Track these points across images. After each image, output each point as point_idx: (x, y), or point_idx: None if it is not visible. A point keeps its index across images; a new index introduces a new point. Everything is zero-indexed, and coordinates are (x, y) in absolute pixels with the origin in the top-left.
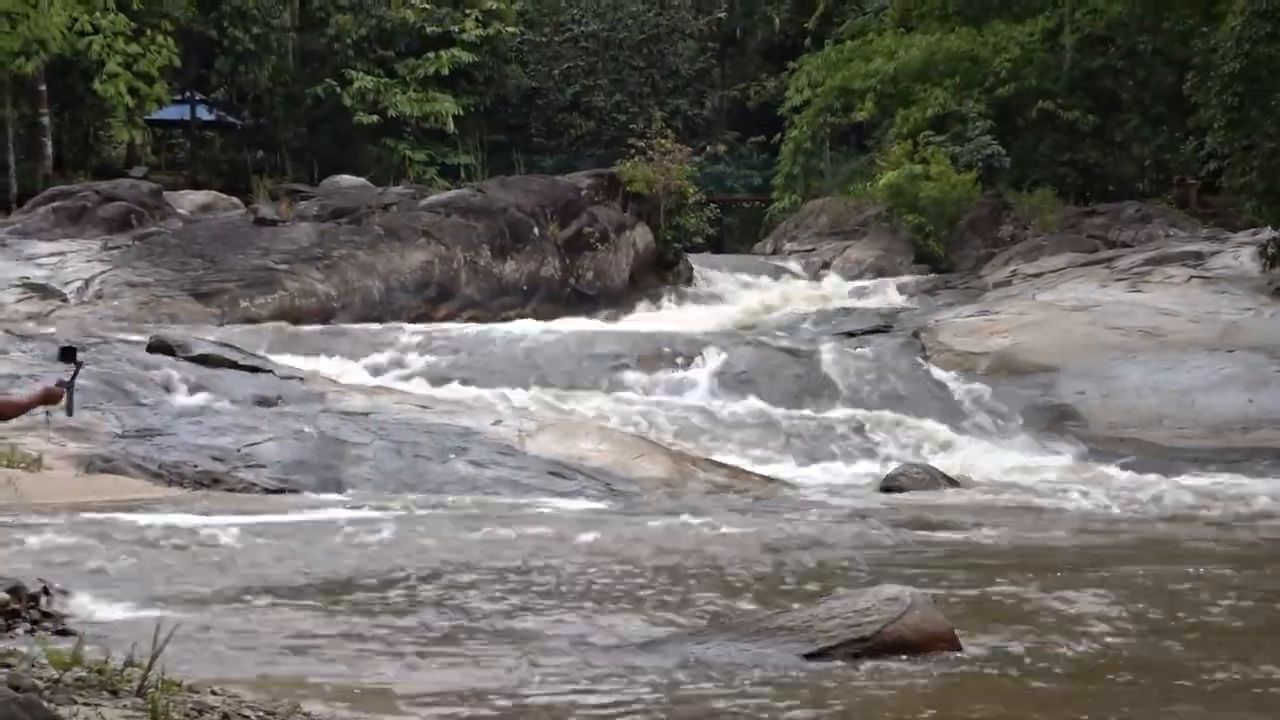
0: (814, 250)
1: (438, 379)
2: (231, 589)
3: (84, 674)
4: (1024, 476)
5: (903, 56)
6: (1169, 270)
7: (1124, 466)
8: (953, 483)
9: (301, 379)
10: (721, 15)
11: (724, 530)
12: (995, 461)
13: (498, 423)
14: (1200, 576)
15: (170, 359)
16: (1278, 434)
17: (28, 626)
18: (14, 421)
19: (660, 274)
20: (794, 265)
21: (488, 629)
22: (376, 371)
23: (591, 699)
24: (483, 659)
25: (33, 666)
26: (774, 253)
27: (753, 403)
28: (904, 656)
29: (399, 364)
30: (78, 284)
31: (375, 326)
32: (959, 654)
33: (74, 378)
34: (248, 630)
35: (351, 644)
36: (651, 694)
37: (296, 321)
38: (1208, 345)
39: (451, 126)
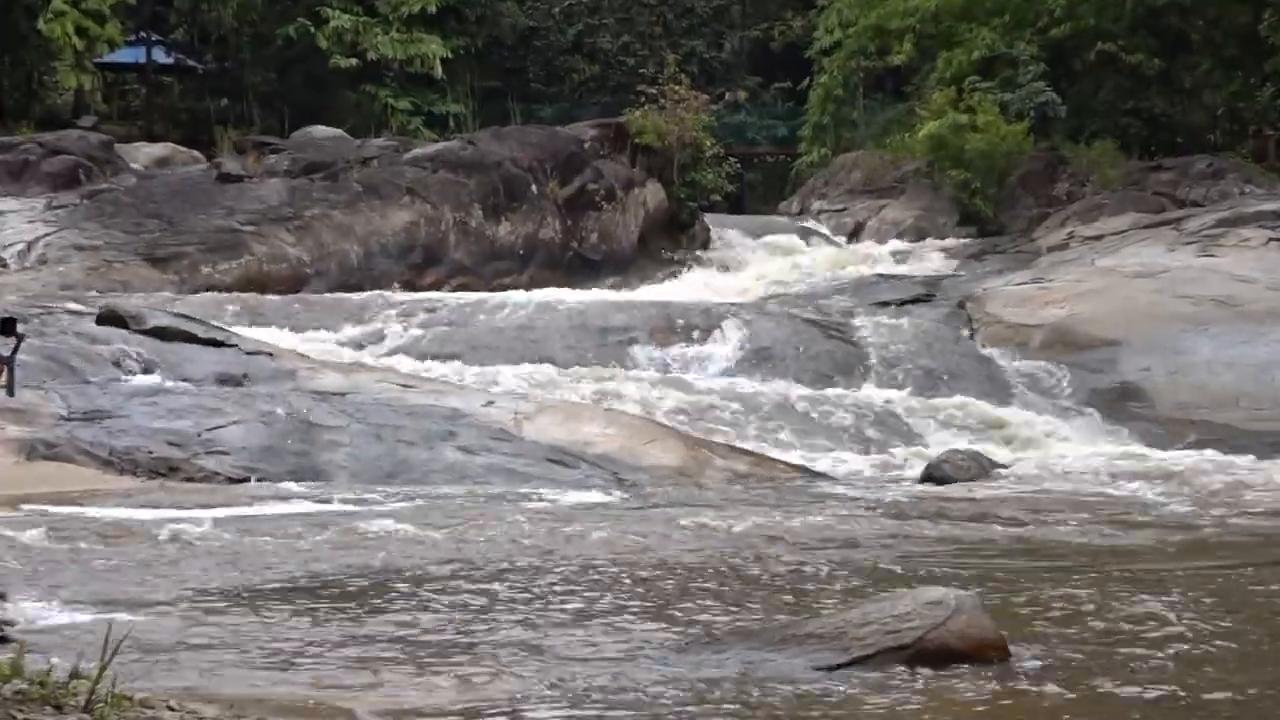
0: (846, 210)
1: (423, 355)
2: (190, 591)
3: (24, 686)
4: (1082, 464)
5: None
6: (1244, 232)
7: (1195, 452)
8: (1002, 471)
9: (270, 355)
10: None
11: (745, 525)
12: (1050, 447)
13: (490, 404)
14: None
15: (122, 332)
16: None
17: None
18: None
19: (673, 236)
20: (823, 227)
21: (479, 638)
22: (354, 346)
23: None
24: (473, 672)
25: None
26: (801, 213)
27: (778, 382)
28: (948, 667)
29: (379, 337)
30: (19, 248)
31: (353, 295)
32: (1010, 665)
33: (14, 353)
34: (209, 637)
35: (325, 653)
36: (661, 712)
37: (264, 290)
38: None
39: (439, 71)
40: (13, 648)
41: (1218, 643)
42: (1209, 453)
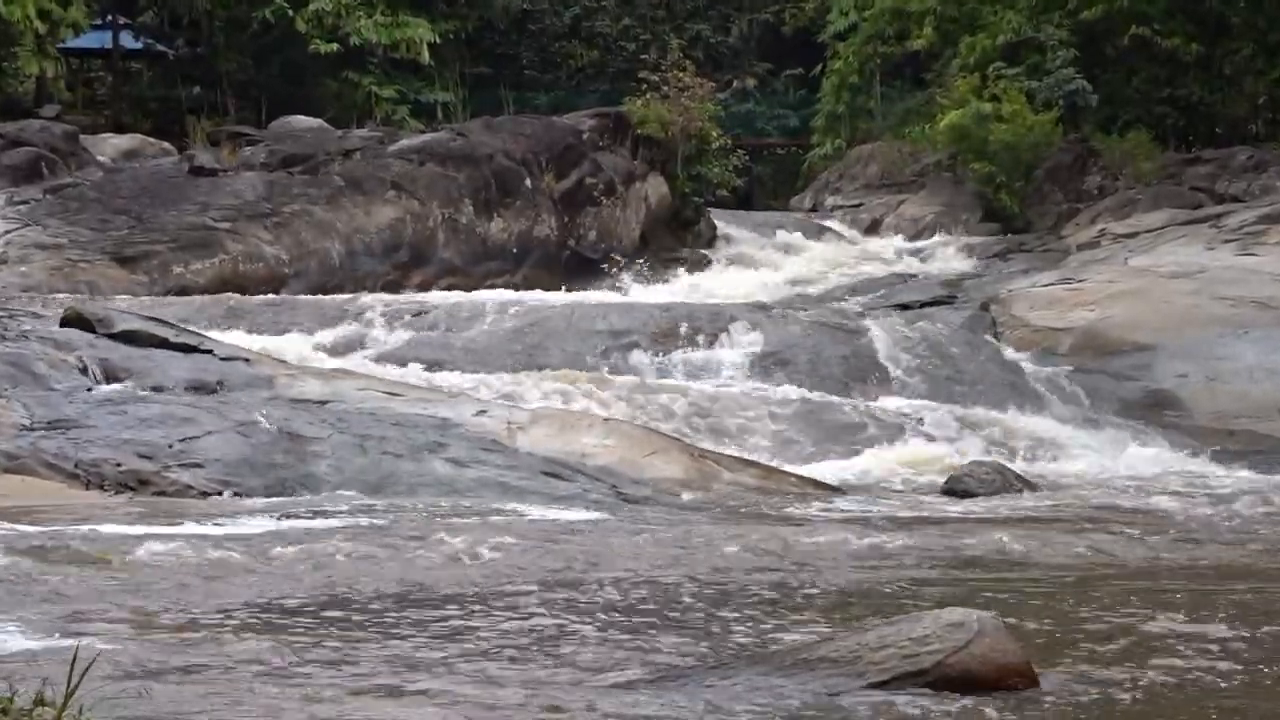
0: (862, 206)
1: (410, 360)
2: (162, 614)
3: None
4: (1114, 476)
5: None
6: None
7: (1235, 465)
8: (1028, 484)
9: (246, 360)
10: None
11: (752, 542)
12: (1079, 458)
13: (482, 413)
14: None
15: (89, 336)
16: None
17: None
18: None
19: (677, 234)
20: (838, 223)
21: (459, 662)
22: (336, 351)
23: None
24: (460, 698)
25: None
26: (814, 208)
27: (789, 389)
28: (970, 693)
29: (363, 342)
30: None
31: (335, 297)
32: (1036, 691)
33: None
34: (182, 663)
35: (303, 682)
36: None
37: (240, 290)
38: None
39: (426, 57)
40: None
41: (1267, 667)
42: (1249, 465)
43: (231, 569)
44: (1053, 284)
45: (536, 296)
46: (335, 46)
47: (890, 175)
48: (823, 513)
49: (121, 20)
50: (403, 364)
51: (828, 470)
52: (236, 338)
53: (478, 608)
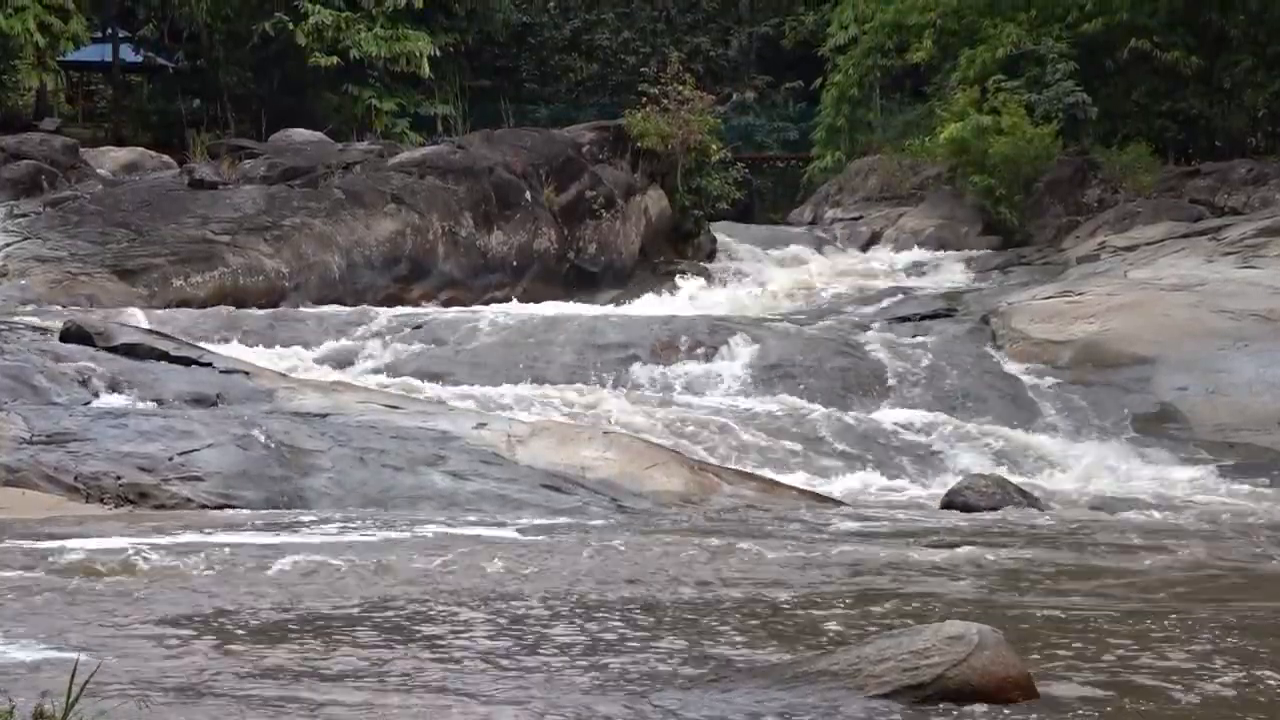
0: (861, 219)
1: (410, 373)
2: (163, 627)
3: None
4: (1114, 490)
5: None
6: None
7: (1235, 478)
8: (1028, 498)
9: (246, 373)
10: None
11: (754, 554)
12: (1079, 472)
13: (482, 425)
14: None
15: (88, 349)
16: None
17: None
18: None
19: (677, 247)
20: (837, 237)
21: (462, 675)
22: (336, 364)
23: None
24: (455, 706)
25: None
26: (813, 221)
27: (789, 402)
28: (970, 706)
29: (363, 355)
30: None
31: (335, 310)
32: (1036, 704)
33: None
34: (185, 676)
35: (300, 695)
36: None
37: (240, 304)
38: None
39: (426, 70)
40: None
41: (1269, 685)
42: (1250, 478)
43: (231, 581)
44: (1053, 297)
45: (536, 309)
46: (335, 60)
47: (890, 188)
48: (822, 526)
49: (122, 33)
50: (402, 377)
51: (827, 482)
52: (236, 350)
53: (481, 618)
